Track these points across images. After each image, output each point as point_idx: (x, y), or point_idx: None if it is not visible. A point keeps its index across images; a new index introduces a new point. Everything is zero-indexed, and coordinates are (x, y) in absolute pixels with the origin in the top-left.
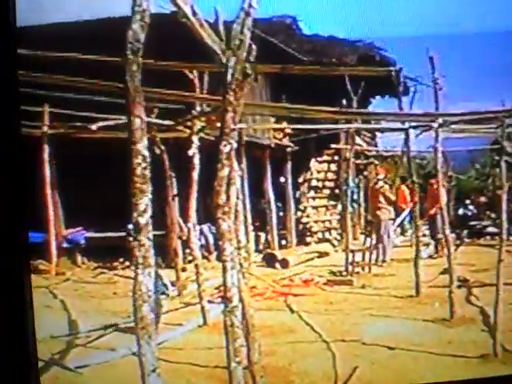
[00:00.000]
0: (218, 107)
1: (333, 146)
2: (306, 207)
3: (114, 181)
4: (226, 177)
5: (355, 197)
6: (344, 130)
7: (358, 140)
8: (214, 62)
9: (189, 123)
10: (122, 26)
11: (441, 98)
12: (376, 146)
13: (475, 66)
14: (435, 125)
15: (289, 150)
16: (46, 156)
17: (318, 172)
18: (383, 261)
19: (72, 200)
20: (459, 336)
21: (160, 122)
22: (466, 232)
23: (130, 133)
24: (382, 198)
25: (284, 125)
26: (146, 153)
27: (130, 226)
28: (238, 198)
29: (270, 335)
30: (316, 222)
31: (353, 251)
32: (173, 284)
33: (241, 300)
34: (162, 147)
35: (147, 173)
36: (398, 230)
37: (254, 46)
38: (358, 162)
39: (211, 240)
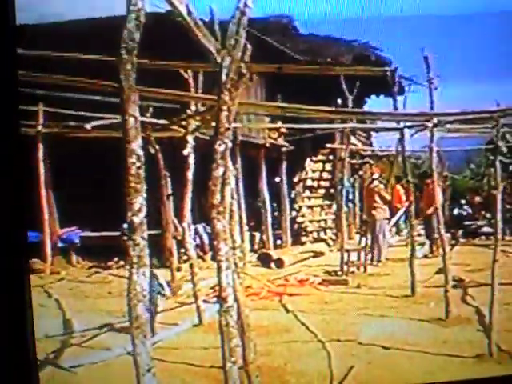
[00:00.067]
0: (213, 107)
1: (328, 145)
2: (301, 207)
3: (108, 180)
4: (221, 176)
5: (350, 196)
6: (339, 130)
7: (353, 140)
8: (208, 61)
9: (184, 123)
10: (117, 25)
11: (436, 98)
12: (371, 145)
13: (472, 65)
14: (430, 124)
15: (284, 149)
16: (40, 155)
17: (313, 172)
18: (378, 260)
19: (67, 199)
20: (454, 336)
21: (155, 121)
22: (461, 232)
23: (124, 132)
24: (377, 198)
25: (279, 124)
26: (141, 152)
27: (125, 226)
28: (232, 197)
29: (266, 335)
30: (311, 221)
31: (348, 251)
32: (168, 284)
33: (236, 300)
34: (157, 147)
35: (142, 172)
36: (393, 229)
37: (249, 46)
38: (353, 161)
39: (206, 240)
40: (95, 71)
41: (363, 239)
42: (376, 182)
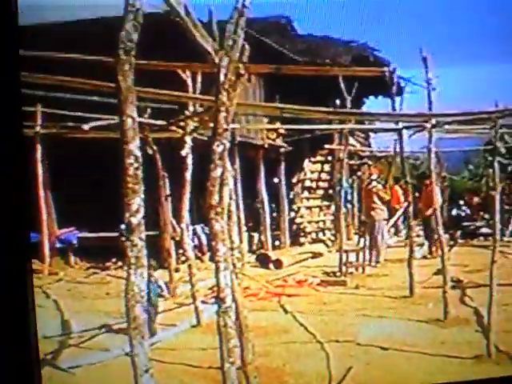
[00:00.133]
0: (211, 107)
1: (326, 146)
2: (299, 208)
3: (106, 181)
4: (219, 177)
5: (349, 197)
6: (338, 131)
7: (351, 140)
8: (207, 62)
9: (182, 123)
10: (116, 25)
11: (434, 99)
12: (369, 146)
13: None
14: (428, 125)
15: (282, 150)
16: (38, 156)
17: (312, 172)
18: (377, 261)
19: (65, 200)
20: (453, 336)
21: (153, 122)
22: (459, 233)
23: (122, 133)
24: (376, 198)
25: (277, 125)
26: (138, 153)
27: (123, 227)
28: (231, 198)
29: (264, 336)
30: (310, 222)
31: (346, 252)
32: (167, 285)
33: (234, 300)
34: (155, 147)
35: (139, 173)
36: (392, 230)
37: (247, 46)
38: (352, 162)
39: (204, 240)
40: (93, 72)
41: (362, 240)
42: (374, 183)
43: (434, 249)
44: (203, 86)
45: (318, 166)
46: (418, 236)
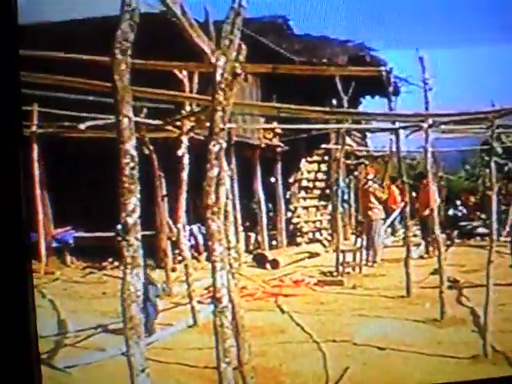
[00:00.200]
0: (208, 107)
1: (323, 146)
2: (296, 207)
3: (102, 180)
4: (216, 177)
5: (346, 197)
6: (334, 130)
7: (348, 140)
8: (203, 61)
9: (178, 123)
10: (112, 25)
11: (431, 98)
12: (366, 146)
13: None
14: (425, 125)
15: (279, 150)
16: (35, 155)
17: (309, 172)
18: (374, 261)
19: (61, 199)
20: (450, 336)
21: (149, 121)
22: (456, 232)
23: (118, 132)
24: (372, 198)
25: (274, 125)
26: (134, 152)
27: (119, 226)
28: (227, 198)
29: (261, 336)
30: (306, 222)
31: (343, 251)
32: (164, 286)
33: (231, 300)
34: (151, 147)
35: (135, 172)
36: (389, 230)
37: (243, 46)
38: (349, 162)
39: (201, 240)
40: (90, 71)
41: (359, 240)
42: (370, 183)
43: (430, 249)
44: (200, 85)
45: (315, 166)
46: (415, 236)
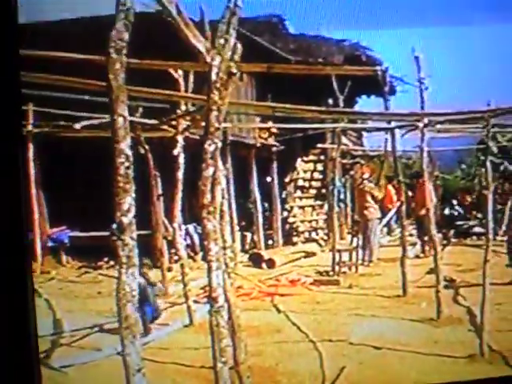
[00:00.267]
0: (203, 106)
1: (319, 145)
2: (292, 207)
3: (98, 180)
4: (211, 176)
5: (342, 196)
6: (330, 130)
7: (344, 140)
8: (198, 61)
9: (174, 122)
10: (108, 24)
11: (426, 98)
12: (362, 145)
13: (461, 65)
14: (421, 124)
15: (274, 149)
16: (30, 155)
17: (305, 172)
18: (370, 261)
19: (56, 199)
20: (446, 336)
21: (145, 121)
22: (452, 232)
23: (113, 132)
24: (368, 198)
25: (270, 124)
26: (129, 152)
27: (114, 226)
28: (223, 197)
29: (257, 335)
30: (302, 221)
31: (339, 251)
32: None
33: (227, 300)
34: (147, 146)
35: (130, 172)
36: (385, 229)
37: (239, 45)
38: (345, 161)
39: (197, 240)
40: (86, 70)
41: (355, 239)
42: (366, 182)
43: (426, 248)
44: (195, 85)
45: (311, 166)
46: (411, 235)
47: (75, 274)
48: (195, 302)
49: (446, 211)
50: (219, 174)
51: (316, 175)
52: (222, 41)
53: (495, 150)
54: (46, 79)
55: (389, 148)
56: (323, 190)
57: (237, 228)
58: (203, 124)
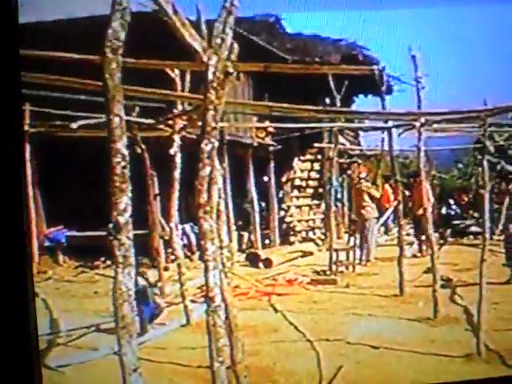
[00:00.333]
0: (200, 106)
1: (316, 145)
2: (289, 206)
3: (94, 179)
4: (208, 176)
5: (339, 196)
6: (327, 129)
7: (341, 139)
8: (195, 60)
9: (170, 122)
10: (106, 24)
11: (423, 97)
12: (359, 144)
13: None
14: (418, 124)
15: (271, 149)
16: (27, 155)
17: (302, 171)
18: (367, 260)
19: (53, 198)
20: (443, 335)
21: (141, 120)
22: (449, 231)
23: (109, 131)
24: (366, 197)
25: (267, 123)
26: (126, 152)
27: (111, 225)
28: (220, 197)
29: (254, 335)
30: (299, 221)
31: (337, 250)
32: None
33: (223, 300)
34: (143, 146)
35: (127, 172)
36: (382, 229)
37: (235, 45)
38: (342, 161)
39: (193, 240)
40: (83, 70)
41: (352, 239)
42: (363, 182)
43: (423, 247)
44: (192, 84)
45: (308, 165)
46: (408, 235)
47: (72, 273)
48: (192, 301)
49: (443, 210)
50: (216, 173)
51: (313, 174)
52: (218, 40)
53: (492, 149)
54: (42, 79)
55: (386, 147)
56: (320, 190)
57: (234, 227)
58: (200, 123)
